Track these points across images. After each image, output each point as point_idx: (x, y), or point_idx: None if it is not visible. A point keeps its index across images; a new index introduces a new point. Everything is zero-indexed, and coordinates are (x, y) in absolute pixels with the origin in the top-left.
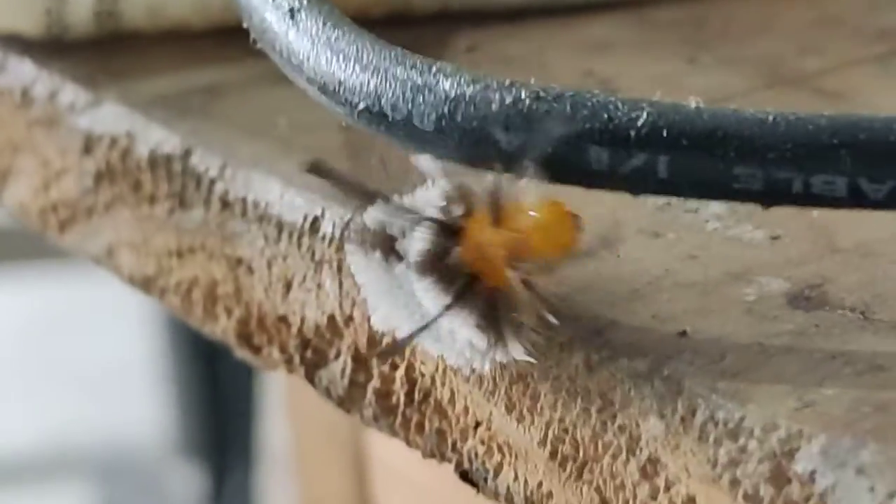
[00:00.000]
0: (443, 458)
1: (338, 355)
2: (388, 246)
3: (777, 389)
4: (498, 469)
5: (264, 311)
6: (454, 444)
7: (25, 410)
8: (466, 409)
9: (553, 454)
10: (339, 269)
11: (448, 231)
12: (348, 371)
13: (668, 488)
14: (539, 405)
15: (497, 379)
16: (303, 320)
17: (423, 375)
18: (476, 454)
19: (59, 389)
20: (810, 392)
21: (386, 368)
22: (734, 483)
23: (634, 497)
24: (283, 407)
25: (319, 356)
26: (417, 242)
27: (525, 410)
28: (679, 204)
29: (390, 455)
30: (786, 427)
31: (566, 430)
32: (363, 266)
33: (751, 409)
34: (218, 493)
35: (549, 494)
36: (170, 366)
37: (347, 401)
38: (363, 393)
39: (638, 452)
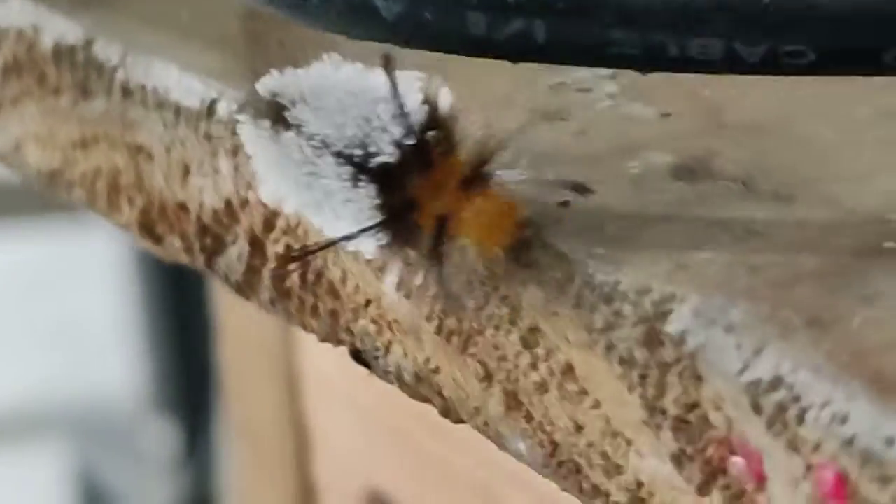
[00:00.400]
0: (337, 341)
1: (235, 240)
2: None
3: (653, 255)
4: (388, 347)
5: (164, 198)
6: (347, 326)
7: None
8: (357, 288)
9: (439, 329)
10: (235, 153)
11: (416, 157)
12: (245, 256)
13: (547, 357)
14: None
15: (385, 257)
16: (201, 206)
17: (315, 256)
18: (367, 333)
19: (32, 347)
20: (686, 257)
21: (281, 250)
22: (609, 348)
23: (516, 367)
24: (217, 327)
25: (217, 242)
26: (386, 154)
27: (412, 287)
28: (573, 84)
29: (322, 370)
30: (659, 290)
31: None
32: (254, 136)
33: (626, 272)
34: (192, 447)
35: (437, 369)
36: (143, 322)
37: (245, 287)
38: (259, 278)
39: (519, 322)
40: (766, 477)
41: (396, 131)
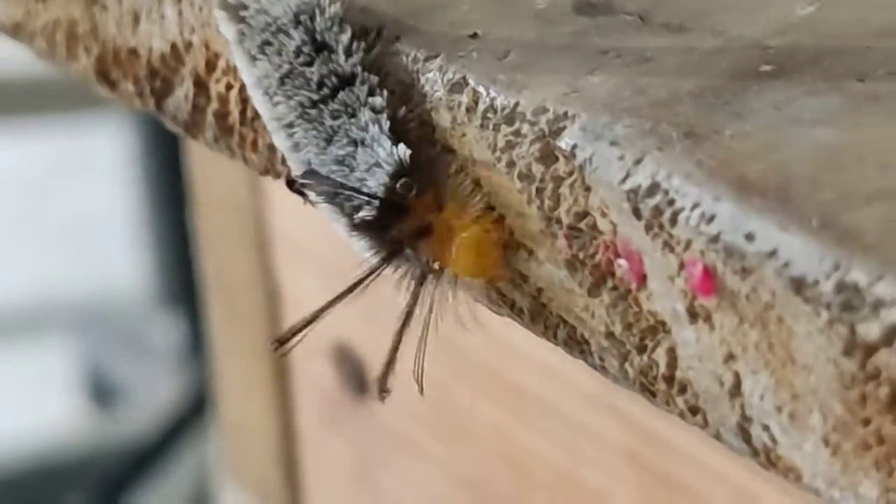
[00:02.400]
0: (275, 173)
1: (182, 82)
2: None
3: (550, 79)
4: None
5: (118, 45)
6: (283, 157)
7: (4, 265)
8: None
9: None
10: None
11: (393, 205)
12: (191, 96)
13: (457, 173)
14: None
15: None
16: (150, 51)
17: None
18: None
19: (39, 244)
20: (579, 80)
21: (222, 89)
22: (510, 164)
23: None
24: (192, 193)
25: (166, 84)
26: (364, 212)
27: None
28: None
29: (290, 230)
30: (553, 109)
31: None
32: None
33: (525, 95)
34: (197, 341)
35: None
36: (149, 218)
37: (192, 126)
38: (204, 116)
39: (434, 144)
40: (646, 275)
41: (372, 184)
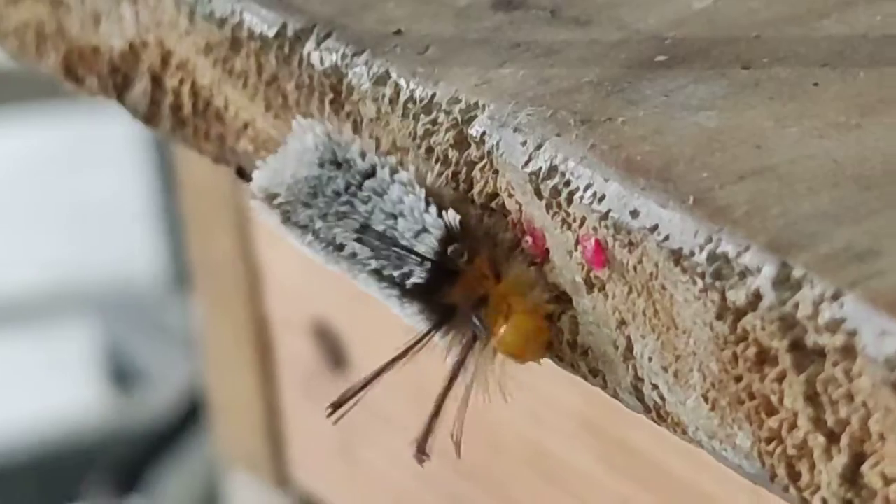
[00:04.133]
0: (227, 161)
1: (140, 77)
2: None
3: (464, 72)
4: None
5: (82, 44)
6: (232, 148)
7: (24, 250)
8: (237, 114)
9: None
10: (136, 1)
11: (445, 270)
12: (148, 90)
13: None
14: (289, 104)
15: (256, 84)
16: (111, 49)
17: (203, 87)
18: (248, 153)
19: (57, 228)
20: (491, 72)
21: (176, 84)
22: (429, 151)
23: None
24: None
25: (126, 80)
26: (415, 276)
27: (279, 109)
28: None
29: None
30: (465, 99)
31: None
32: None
33: (441, 87)
34: None
35: None
36: (165, 202)
37: (150, 118)
38: (161, 109)
39: (360, 135)
40: (548, 250)
41: (421, 248)
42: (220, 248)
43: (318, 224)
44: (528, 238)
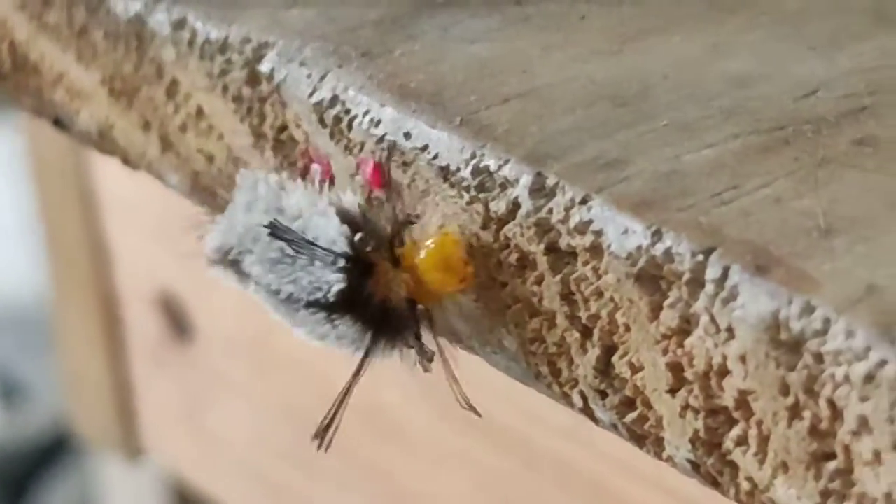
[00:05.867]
0: (45, 113)
1: None
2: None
3: (256, 13)
4: (77, 112)
5: None
6: (50, 100)
7: None
8: (52, 66)
9: (111, 91)
10: None
11: (359, 267)
12: None
13: (185, 102)
14: (97, 52)
15: (68, 35)
16: None
17: (20, 43)
18: (63, 103)
19: None
20: (280, 13)
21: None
22: (225, 89)
23: (165, 114)
24: (24, 162)
25: None
26: (336, 283)
27: (90, 58)
28: None
29: (115, 191)
30: (256, 39)
31: (116, 70)
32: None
33: (233, 28)
34: None
35: (113, 125)
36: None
37: None
38: None
39: (164, 77)
40: (334, 176)
41: (332, 258)
42: (67, 225)
43: (257, 269)
44: (316, 165)
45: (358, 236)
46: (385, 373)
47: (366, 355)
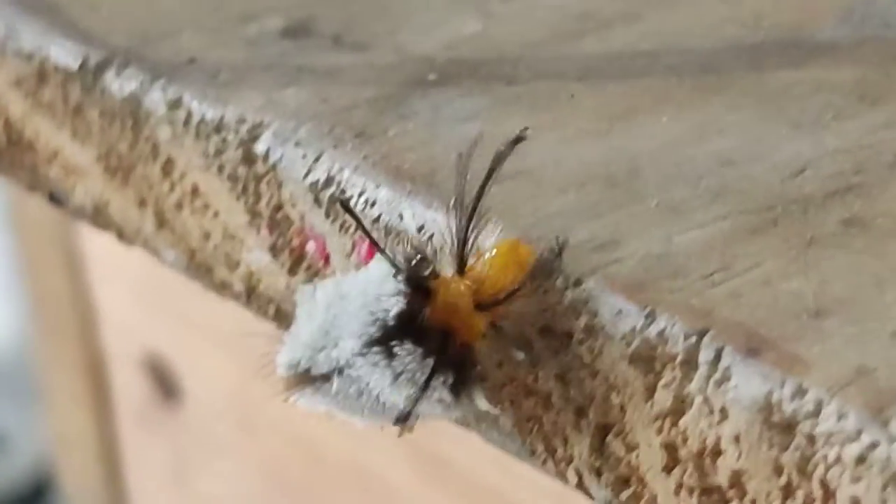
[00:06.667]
0: (40, 189)
1: None
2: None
3: (251, 94)
4: (72, 188)
5: None
6: (45, 176)
7: None
8: (47, 143)
9: (106, 169)
10: None
11: (418, 293)
12: None
13: (181, 179)
14: (93, 130)
15: (63, 113)
16: None
17: (16, 119)
18: (58, 179)
19: None
20: (275, 94)
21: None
22: (220, 168)
23: (160, 192)
24: (9, 220)
25: None
26: (393, 307)
27: (85, 136)
28: None
29: (100, 252)
30: (252, 119)
31: (112, 147)
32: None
33: (229, 109)
34: None
35: (108, 202)
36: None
37: None
38: None
39: (159, 155)
40: (329, 254)
41: (393, 286)
42: (52, 286)
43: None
44: (312, 243)
45: (415, 259)
46: (372, 436)
47: (426, 383)
